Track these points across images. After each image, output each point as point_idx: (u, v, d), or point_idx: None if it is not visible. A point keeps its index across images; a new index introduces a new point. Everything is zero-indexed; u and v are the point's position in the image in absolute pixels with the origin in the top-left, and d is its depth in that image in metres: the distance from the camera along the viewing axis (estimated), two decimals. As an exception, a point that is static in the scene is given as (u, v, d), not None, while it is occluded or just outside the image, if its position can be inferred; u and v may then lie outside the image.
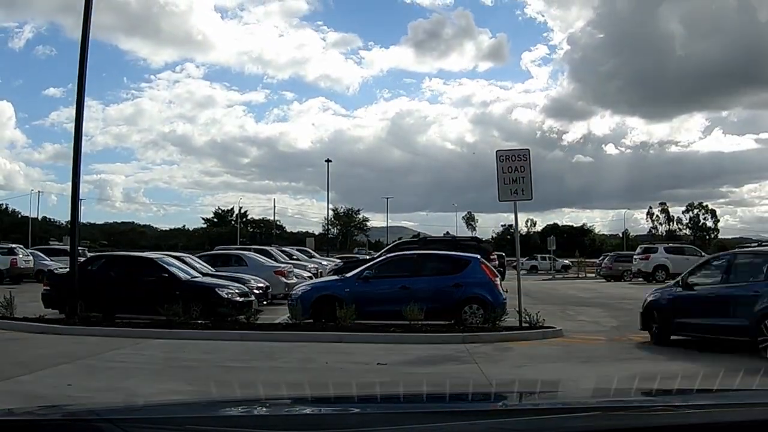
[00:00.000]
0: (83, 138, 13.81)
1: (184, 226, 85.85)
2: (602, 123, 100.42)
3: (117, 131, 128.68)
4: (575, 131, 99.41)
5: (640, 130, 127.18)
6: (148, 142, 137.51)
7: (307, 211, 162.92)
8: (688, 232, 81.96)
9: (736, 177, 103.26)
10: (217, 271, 16.57)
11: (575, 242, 66.05)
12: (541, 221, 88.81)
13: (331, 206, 74.74)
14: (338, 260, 27.14)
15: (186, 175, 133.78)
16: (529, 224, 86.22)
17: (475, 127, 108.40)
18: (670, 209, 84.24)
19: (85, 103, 13.65)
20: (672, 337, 10.60)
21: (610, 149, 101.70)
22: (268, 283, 16.01)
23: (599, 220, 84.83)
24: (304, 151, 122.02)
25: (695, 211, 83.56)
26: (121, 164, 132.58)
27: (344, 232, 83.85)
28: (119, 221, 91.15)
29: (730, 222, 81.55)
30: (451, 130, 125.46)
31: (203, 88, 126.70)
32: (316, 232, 77.92)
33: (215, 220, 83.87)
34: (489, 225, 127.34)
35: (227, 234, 70.07)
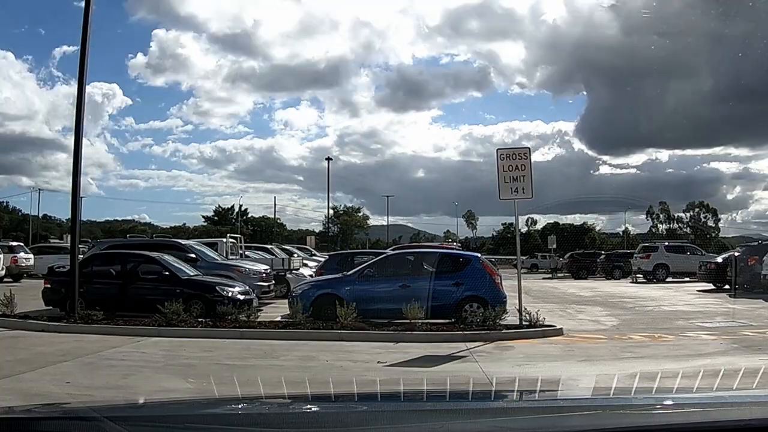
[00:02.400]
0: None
1: (184, 224, 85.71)
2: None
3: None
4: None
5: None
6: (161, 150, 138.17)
7: (307, 210, 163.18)
8: (688, 230, 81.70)
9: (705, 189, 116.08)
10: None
11: (576, 241, 66.00)
12: (542, 220, 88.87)
13: (330, 205, 74.78)
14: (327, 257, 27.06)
15: (189, 178, 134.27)
16: (529, 222, 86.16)
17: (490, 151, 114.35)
18: (669, 208, 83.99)
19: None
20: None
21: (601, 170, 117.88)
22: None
23: (592, 223, 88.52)
24: (306, 151, 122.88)
25: (695, 210, 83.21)
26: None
27: (344, 231, 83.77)
28: (120, 219, 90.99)
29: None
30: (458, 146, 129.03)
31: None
32: (317, 231, 77.99)
33: (216, 218, 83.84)
34: (489, 224, 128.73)
35: (227, 232, 69.86)
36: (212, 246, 20.20)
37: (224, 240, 20.26)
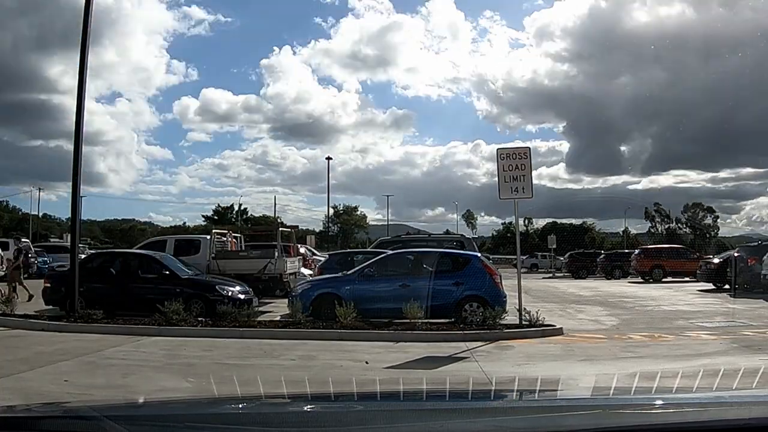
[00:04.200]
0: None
1: (184, 223, 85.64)
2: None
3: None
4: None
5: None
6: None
7: (306, 209, 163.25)
8: (687, 230, 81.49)
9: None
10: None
11: (575, 241, 65.93)
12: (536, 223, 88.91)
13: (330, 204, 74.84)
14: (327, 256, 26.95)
15: (187, 178, 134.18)
16: (526, 222, 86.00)
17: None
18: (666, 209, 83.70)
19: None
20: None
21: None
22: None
23: (592, 223, 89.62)
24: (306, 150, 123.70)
25: (693, 210, 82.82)
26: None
27: (344, 230, 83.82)
28: (120, 218, 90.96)
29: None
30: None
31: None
32: (317, 230, 78.01)
33: (215, 217, 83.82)
34: (489, 224, 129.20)
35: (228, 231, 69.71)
36: (194, 243, 18.47)
37: (207, 237, 18.05)
